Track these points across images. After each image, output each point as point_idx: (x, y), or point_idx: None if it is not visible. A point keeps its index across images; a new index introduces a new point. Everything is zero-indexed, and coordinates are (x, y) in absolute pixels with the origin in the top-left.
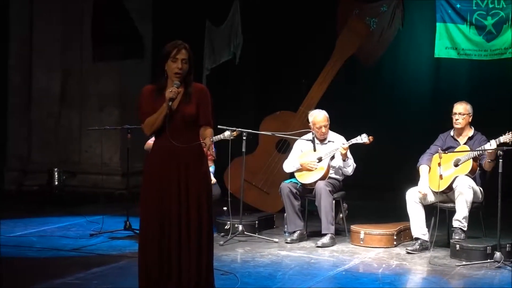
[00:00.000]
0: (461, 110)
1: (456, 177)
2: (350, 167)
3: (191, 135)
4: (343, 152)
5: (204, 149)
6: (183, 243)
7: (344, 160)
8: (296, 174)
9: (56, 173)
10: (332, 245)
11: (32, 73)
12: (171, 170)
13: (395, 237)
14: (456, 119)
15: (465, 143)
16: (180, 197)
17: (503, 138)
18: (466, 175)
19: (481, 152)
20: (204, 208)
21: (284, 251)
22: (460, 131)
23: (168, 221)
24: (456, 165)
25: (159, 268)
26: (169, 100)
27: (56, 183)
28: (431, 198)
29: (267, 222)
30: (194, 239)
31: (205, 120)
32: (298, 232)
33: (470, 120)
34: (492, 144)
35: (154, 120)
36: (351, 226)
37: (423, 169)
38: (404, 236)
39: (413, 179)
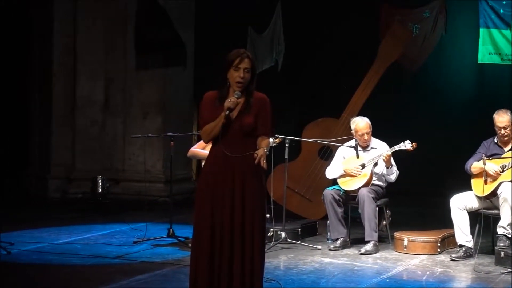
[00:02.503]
0: (505, 124)
1: (501, 183)
2: (393, 174)
3: (248, 145)
4: (386, 159)
5: (256, 161)
6: (235, 254)
7: (387, 168)
8: (339, 181)
9: (99, 181)
10: (376, 252)
11: (75, 81)
12: (227, 179)
13: (439, 244)
14: (503, 134)
15: (510, 150)
16: (234, 207)
17: None
18: (511, 181)
19: None
20: (258, 219)
21: (327, 258)
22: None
23: (220, 230)
24: (501, 171)
25: (209, 278)
26: (227, 110)
27: (100, 190)
28: (475, 205)
29: (310, 229)
30: (247, 250)
31: (263, 130)
32: (341, 239)
33: None
34: None
35: (211, 128)
36: (395, 233)
37: (475, 164)
38: (448, 243)
39: (458, 185)
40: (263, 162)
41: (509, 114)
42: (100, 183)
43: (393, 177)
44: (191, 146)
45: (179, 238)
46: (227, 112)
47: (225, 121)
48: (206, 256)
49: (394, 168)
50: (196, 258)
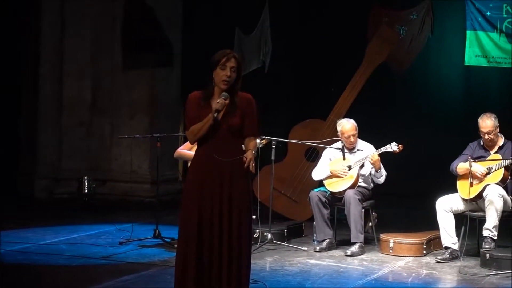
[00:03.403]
0: (489, 128)
1: (487, 185)
2: (382, 177)
3: (235, 145)
4: (374, 159)
5: (245, 165)
6: (223, 255)
7: (376, 171)
8: (325, 183)
9: (85, 181)
10: (361, 254)
11: (63, 81)
12: (214, 181)
13: (424, 246)
14: (487, 138)
15: (495, 152)
16: (222, 209)
17: None
18: (497, 183)
19: None
20: (245, 221)
21: (313, 259)
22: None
23: (208, 232)
24: (487, 173)
25: (197, 279)
26: (215, 111)
27: (86, 191)
28: (461, 207)
29: (296, 231)
30: (235, 251)
31: (250, 131)
32: (327, 240)
33: (498, 130)
34: None
35: (198, 128)
36: (381, 234)
37: (461, 164)
38: (433, 245)
39: (443, 187)
40: (252, 167)
41: (493, 119)
42: (86, 184)
43: (382, 179)
44: (178, 147)
45: (165, 239)
46: (215, 114)
47: (212, 122)
48: (193, 257)
49: (383, 170)
50: (183, 260)
